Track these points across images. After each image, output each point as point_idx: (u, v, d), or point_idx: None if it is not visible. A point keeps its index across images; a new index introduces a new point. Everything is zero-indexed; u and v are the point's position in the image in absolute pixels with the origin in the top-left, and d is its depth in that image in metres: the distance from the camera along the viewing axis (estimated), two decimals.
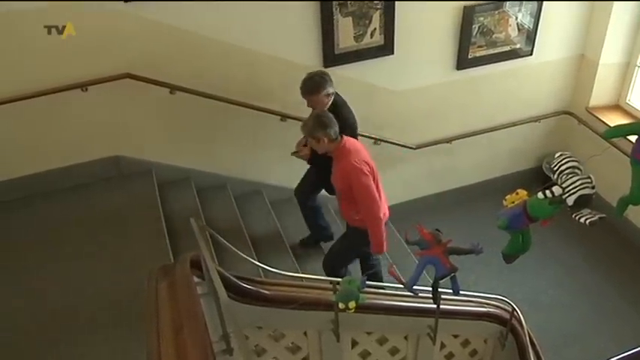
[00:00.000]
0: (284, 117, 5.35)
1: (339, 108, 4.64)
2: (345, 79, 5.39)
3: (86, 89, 4.73)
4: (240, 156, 5.62)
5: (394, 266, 2.67)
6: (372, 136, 5.91)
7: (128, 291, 4.12)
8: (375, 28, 5.39)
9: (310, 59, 5.29)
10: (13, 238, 4.73)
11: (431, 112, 6.20)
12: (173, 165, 5.40)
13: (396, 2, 5.28)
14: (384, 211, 4.48)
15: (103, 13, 4.52)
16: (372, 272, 4.94)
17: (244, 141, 5.51)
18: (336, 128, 4.20)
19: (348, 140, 4.30)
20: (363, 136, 5.72)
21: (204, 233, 2.73)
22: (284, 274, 3.45)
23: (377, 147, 5.98)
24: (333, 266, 4.87)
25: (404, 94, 5.93)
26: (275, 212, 5.74)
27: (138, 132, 5.15)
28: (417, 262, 2.66)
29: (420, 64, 5.84)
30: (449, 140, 6.42)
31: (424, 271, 2.66)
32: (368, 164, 4.26)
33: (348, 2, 5.16)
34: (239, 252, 3.25)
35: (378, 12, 5.31)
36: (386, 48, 5.53)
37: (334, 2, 5.08)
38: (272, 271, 3.32)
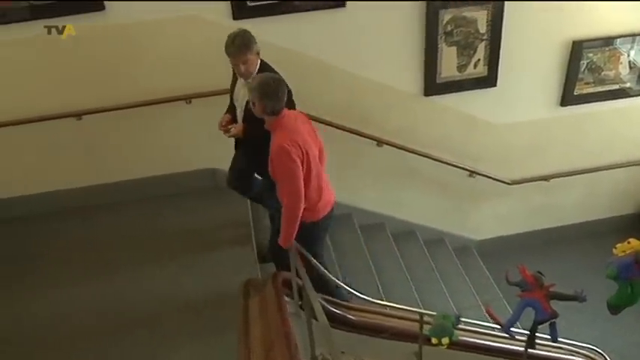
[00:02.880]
0: (380, 142, 5.33)
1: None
2: (444, 109, 5.35)
3: (190, 102, 4.88)
4: (333, 178, 5.59)
5: (491, 305, 2.59)
6: (467, 168, 5.80)
7: (214, 301, 4.26)
8: (479, 59, 5.31)
9: (411, 86, 5.27)
10: (107, 239, 4.92)
11: (530, 147, 6.03)
12: None
13: (503, 34, 5.19)
14: (326, 205, 4.07)
15: (211, 28, 4.67)
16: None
17: (338, 163, 5.49)
18: (277, 103, 3.61)
19: (287, 114, 3.72)
20: (456, 166, 5.67)
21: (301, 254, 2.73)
22: (371, 301, 3.43)
23: (471, 179, 5.87)
24: (274, 258, 4.35)
25: (503, 127, 5.79)
26: (364, 236, 5.71)
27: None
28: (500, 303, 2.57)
29: (522, 98, 5.70)
30: (547, 178, 6.21)
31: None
32: (301, 148, 3.64)
33: (454, 31, 5.11)
34: (328, 274, 3.26)
35: (483, 43, 5.24)
36: (489, 80, 5.43)
37: (440, 31, 5.04)
38: (361, 298, 3.30)
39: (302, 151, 3.63)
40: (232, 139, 4.35)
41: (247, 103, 3.90)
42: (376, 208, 5.91)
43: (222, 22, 4.68)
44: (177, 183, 5.24)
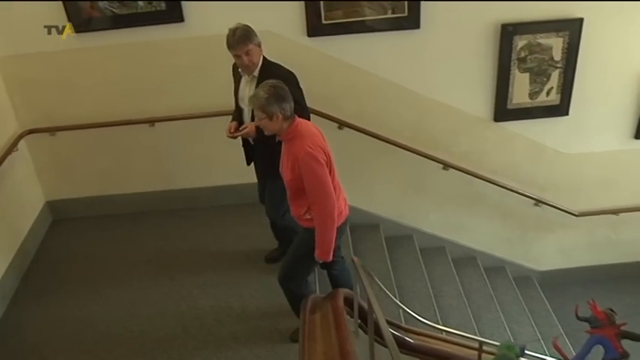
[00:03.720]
0: (447, 166, 5.29)
1: (286, 78, 3.79)
2: (513, 135, 5.29)
3: None
4: (397, 198, 5.62)
5: (559, 338, 2.54)
6: (534, 196, 5.69)
7: (270, 311, 4.34)
8: (552, 87, 5.23)
9: (481, 111, 5.22)
10: (172, 244, 5.07)
11: (600, 179, 5.87)
12: None
13: (578, 63, 5.10)
14: (341, 210, 3.75)
15: (286, 44, 4.76)
16: (342, 282, 4.17)
17: (403, 184, 5.51)
18: (292, 104, 3.45)
19: (300, 121, 3.55)
20: (522, 194, 5.58)
21: (365, 273, 2.74)
22: (430, 325, 3.39)
23: (537, 209, 5.76)
24: (291, 281, 3.95)
25: (573, 157, 5.66)
26: (424, 260, 5.66)
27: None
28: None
29: (594, 129, 5.57)
30: (616, 211, 6.02)
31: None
32: (324, 151, 3.52)
33: (528, 58, 5.05)
34: (394, 297, 3.25)
35: (557, 71, 5.15)
36: (561, 108, 5.33)
37: (513, 57, 5.00)
38: (421, 322, 3.28)
39: (325, 154, 3.53)
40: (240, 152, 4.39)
41: None
42: (438, 231, 5.87)
43: (296, 38, 4.77)
44: (240, 193, 5.32)
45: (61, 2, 4.60)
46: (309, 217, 3.66)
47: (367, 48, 4.85)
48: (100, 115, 4.97)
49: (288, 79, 3.82)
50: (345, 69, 4.90)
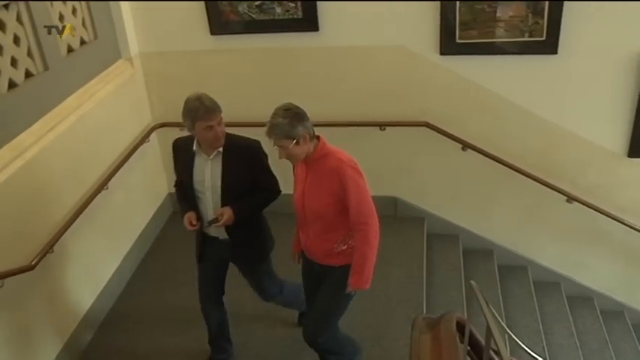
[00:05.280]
0: (571, 199, 5.06)
1: (254, 147, 3.48)
2: None
3: (384, 129, 4.97)
4: (515, 226, 5.43)
5: None
6: None
7: (376, 326, 4.34)
8: None
9: (614, 144, 4.95)
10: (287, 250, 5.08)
11: None
12: (444, 219, 5.42)
13: None
14: None
15: (417, 60, 4.75)
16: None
17: (523, 212, 5.32)
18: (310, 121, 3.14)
19: (324, 140, 3.24)
20: None
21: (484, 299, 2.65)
22: None
23: None
24: (326, 331, 3.49)
25: None
26: (536, 293, 5.44)
27: (420, 179, 5.27)
28: None
29: None
30: None
31: None
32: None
33: None
34: (506, 328, 3.13)
35: None
36: None
37: None
38: (532, 356, 3.13)
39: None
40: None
41: (225, 177, 3.41)
42: (555, 265, 5.61)
43: (428, 55, 4.75)
44: None
45: (203, 3, 4.81)
46: (344, 247, 3.30)
47: (499, 70, 4.74)
48: (227, 115, 5.09)
49: (256, 148, 3.47)
50: (473, 89, 4.81)
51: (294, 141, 3.05)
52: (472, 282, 2.67)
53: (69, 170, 4.09)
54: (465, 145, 4.93)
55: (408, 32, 4.70)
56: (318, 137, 3.20)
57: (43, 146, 3.87)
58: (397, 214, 5.39)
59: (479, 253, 5.48)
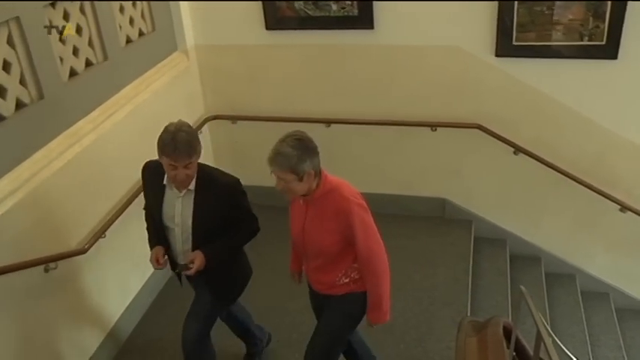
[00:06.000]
0: (625, 208, 4.94)
1: (234, 187, 3.22)
2: None
3: (435, 129, 4.94)
4: (565, 234, 5.32)
5: None
6: None
7: (419, 328, 4.31)
8: None
9: None
10: None
11: None
12: (492, 223, 5.34)
13: None
14: None
15: (471, 61, 4.70)
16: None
17: (574, 220, 5.21)
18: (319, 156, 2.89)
19: (326, 174, 2.99)
20: None
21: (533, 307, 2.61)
22: None
23: None
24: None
25: None
26: (584, 303, 5.33)
27: (469, 181, 5.21)
28: None
29: None
30: None
31: None
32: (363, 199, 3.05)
33: None
34: (554, 336, 3.09)
35: None
36: None
37: None
38: None
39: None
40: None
41: (196, 217, 3.15)
42: (604, 276, 5.48)
43: (483, 57, 4.69)
44: (405, 205, 5.33)
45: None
46: (346, 280, 3.11)
47: (555, 74, 4.64)
48: (279, 110, 5.19)
49: (233, 186, 3.20)
50: (528, 92, 4.73)
51: (297, 177, 2.79)
52: (522, 287, 2.64)
53: (123, 158, 4.17)
54: (517, 149, 4.85)
55: (464, 33, 4.65)
56: (322, 172, 2.94)
57: (99, 134, 3.96)
58: (445, 216, 5.35)
59: (526, 259, 5.39)
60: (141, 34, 4.60)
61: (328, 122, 5.08)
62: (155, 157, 3.03)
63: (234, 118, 5.32)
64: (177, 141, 2.88)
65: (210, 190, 3.10)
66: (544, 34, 4.54)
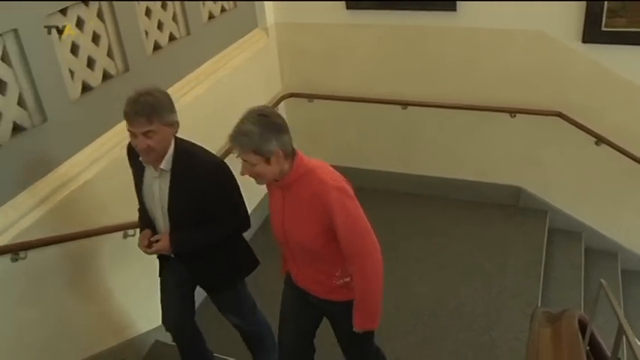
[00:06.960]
0: None
1: (217, 171, 2.83)
2: None
3: (514, 116, 4.82)
4: (611, 209, 5.12)
5: None
6: None
7: (487, 316, 4.26)
8: None
9: None
10: (402, 228, 5.14)
11: None
12: (568, 214, 5.18)
13: None
14: None
15: (556, 47, 4.57)
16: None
17: (624, 196, 5.00)
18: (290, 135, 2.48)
19: (300, 152, 2.56)
20: None
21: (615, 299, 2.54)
22: None
23: None
24: None
25: None
26: (623, 281, 5.09)
27: (547, 170, 5.07)
28: None
29: None
30: None
31: None
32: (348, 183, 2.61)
33: None
34: (632, 333, 3.00)
35: None
36: None
37: None
38: None
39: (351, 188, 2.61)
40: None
41: (171, 199, 2.82)
42: None
43: (569, 42, 4.54)
44: (479, 192, 5.26)
45: None
46: (347, 279, 2.67)
47: None
48: (356, 90, 5.18)
49: (213, 169, 2.80)
50: (615, 81, 4.55)
51: (263, 159, 2.41)
52: (602, 280, 2.55)
53: (200, 134, 4.21)
54: (599, 140, 4.68)
55: (549, 17, 4.50)
56: (296, 153, 2.53)
57: (178, 108, 4.02)
58: (519, 205, 5.23)
59: (602, 254, 5.20)
60: (223, 10, 4.66)
61: (405, 104, 5.05)
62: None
63: (310, 97, 5.33)
64: (139, 103, 2.55)
65: (187, 170, 2.75)
66: (636, 20, 4.34)
